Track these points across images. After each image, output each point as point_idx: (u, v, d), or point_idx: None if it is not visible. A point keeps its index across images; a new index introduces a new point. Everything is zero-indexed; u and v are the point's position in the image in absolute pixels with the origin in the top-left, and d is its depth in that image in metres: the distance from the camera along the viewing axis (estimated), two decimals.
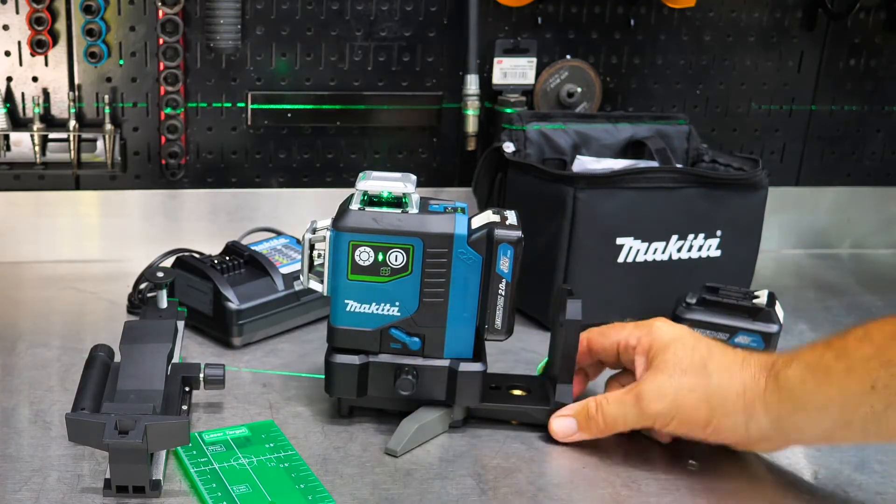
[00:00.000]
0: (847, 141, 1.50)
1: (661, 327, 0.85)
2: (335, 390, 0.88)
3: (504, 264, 0.83)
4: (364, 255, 0.83)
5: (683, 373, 0.80)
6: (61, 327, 1.11)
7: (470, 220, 0.86)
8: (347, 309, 0.85)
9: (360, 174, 0.86)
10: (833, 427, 0.74)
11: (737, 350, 0.81)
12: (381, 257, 0.83)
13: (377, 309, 0.85)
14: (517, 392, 0.91)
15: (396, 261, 0.83)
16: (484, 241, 0.83)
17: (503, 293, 0.84)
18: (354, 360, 0.86)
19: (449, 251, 0.83)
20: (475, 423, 0.90)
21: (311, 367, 0.99)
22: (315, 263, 0.86)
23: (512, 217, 0.86)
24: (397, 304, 0.85)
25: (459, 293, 0.84)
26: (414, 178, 0.86)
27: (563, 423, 0.86)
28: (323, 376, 0.89)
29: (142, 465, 0.75)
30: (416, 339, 0.86)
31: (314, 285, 0.86)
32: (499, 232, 0.83)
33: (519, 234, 0.83)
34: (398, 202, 0.84)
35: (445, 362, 0.86)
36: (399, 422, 0.87)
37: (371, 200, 0.85)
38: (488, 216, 0.86)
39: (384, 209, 0.83)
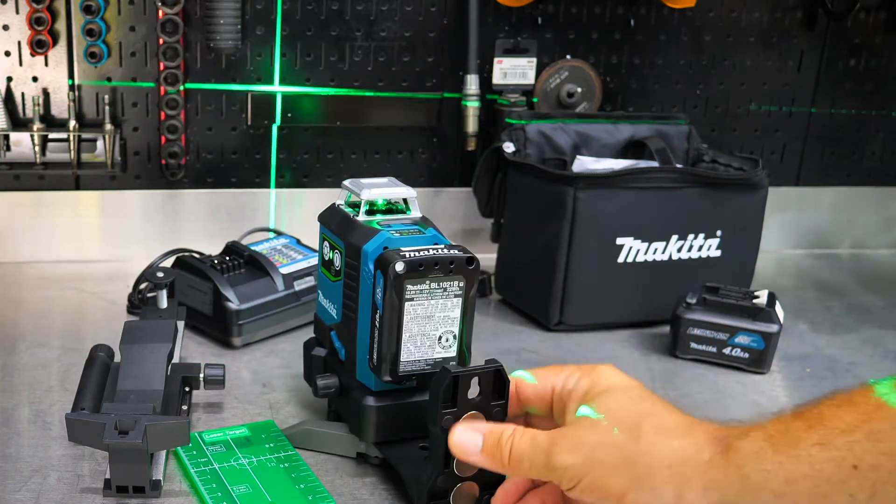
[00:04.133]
0: (847, 141, 1.50)
1: (607, 373, 0.68)
2: (306, 375, 0.89)
3: (378, 293, 0.75)
4: (326, 249, 0.84)
5: (610, 427, 0.63)
6: (61, 327, 1.11)
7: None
8: (319, 298, 0.86)
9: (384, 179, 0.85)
10: None
11: (688, 416, 0.64)
12: (331, 255, 0.82)
13: (328, 307, 0.84)
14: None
15: (337, 262, 0.81)
16: (376, 263, 0.76)
17: (377, 325, 0.75)
18: (314, 350, 0.87)
19: (358, 265, 0.77)
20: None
21: None
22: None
23: (438, 251, 0.75)
24: (335, 306, 0.83)
25: (364, 314, 0.78)
26: (401, 191, 0.82)
27: (466, 435, 0.69)
28: None
29: (142, 465, 0.75)
30: (343, 350, 0.82)
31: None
32: (381, 256, 0.75)
33: (393, 265, 0.72)
34: (389, 209, 0.83)
35: (355, 384, 0.80)
36: None
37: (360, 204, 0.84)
38: (433, 247, 0.77)
39: (348, 211, 0.82)
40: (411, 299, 0.74)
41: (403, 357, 0.76)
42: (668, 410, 0.64)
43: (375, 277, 0.75)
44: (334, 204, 0.85)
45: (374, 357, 0.76)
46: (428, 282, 0.74)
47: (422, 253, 0.74)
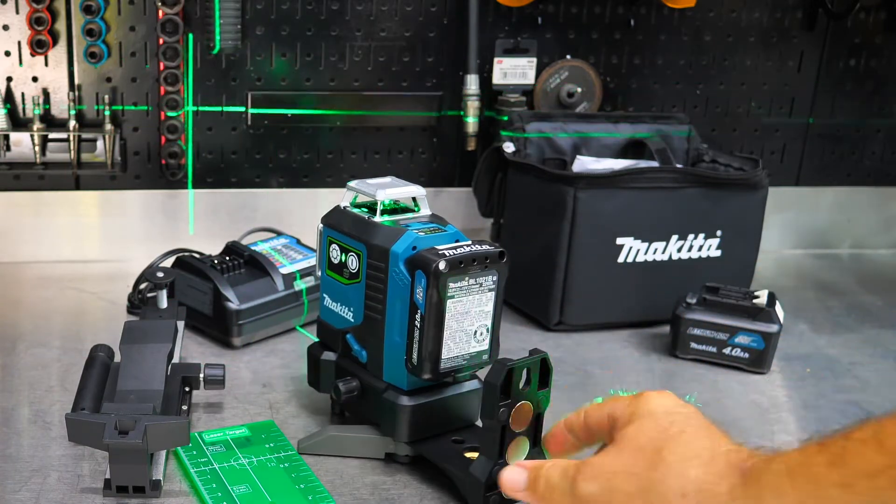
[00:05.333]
0: (847, 141, 1.50)
1: (652, 398, 0.67)
2: (310, 380, 0.89)
3: (419, 293, 0.75)
4: (334, 253, 0.83)
5: (633, 453, 0.62)
6: (61, 327, 1.11)
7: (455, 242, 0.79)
8: (325, 303, 0.86)
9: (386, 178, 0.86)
10: None
11: (716, 437, 0.62)
12: (344, 258, 0.82)
13: (340, 310, 0.84)
14: (473, 455, 0.77)
15: (352, 265, 0.81)
16: (412, 264, 0.76)
17: (418, 325, 0.76)
18: (322, 354, 0.86)
19: (386, 266, 0.78)
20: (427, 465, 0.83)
21: None
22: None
23: (472, 248, 0.77)
24: (352, 309, 0.83)
25: (396, 316, 0.78)
26: (412, 189, 0.83)
27: (513, 473, 0.70)
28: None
29: (142, 465, 0.75)
30: (364, 353, 0.82)
31: (320, 273, 0.87)
32: (419, 257, 0.76)
33: (436, 264, 0.74)
34: (395, 209, 0.83)
35: (382, 385, 0.81)
36: None
37: (368, 205, 0.84)
38: (463, 244, 0.78)
39: (359, 212, 0.82)
40: (452, 297, 0.76)
41: (444, 354, 0.77)
42: (696, 436, 0.62)
43: (415, 277, 0.75)
44: (339, 206, 0.84)
45: (415, 357, 0.77)
46: (467, 278, 0.76)
47: (459, 250, 0.76)
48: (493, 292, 0.78)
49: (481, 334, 0.79)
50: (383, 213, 0.82)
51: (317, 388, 0.89)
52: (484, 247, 0.77)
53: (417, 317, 0.76)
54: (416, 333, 0.76)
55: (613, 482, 0.62)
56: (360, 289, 0.81)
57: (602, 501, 0.63)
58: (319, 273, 0.87)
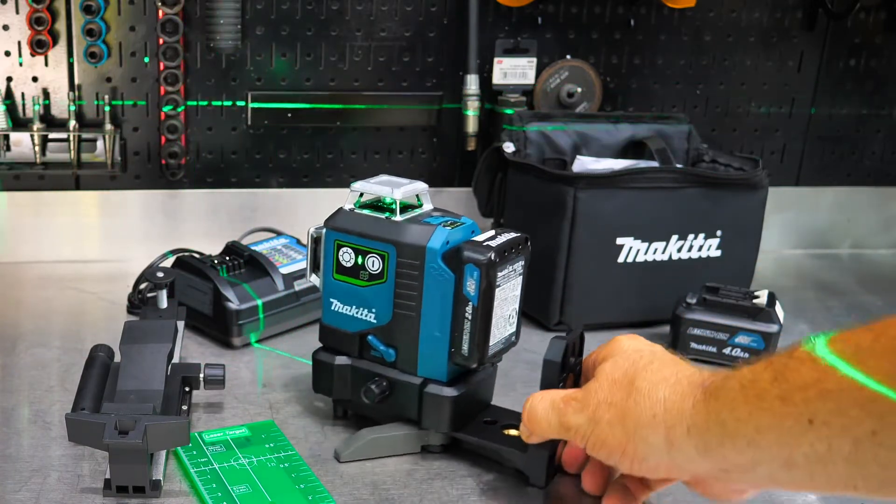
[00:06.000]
0: (847, 141, 1.50)
1: (621, 339, 0.75)
2: (319, 387, 0.88)
3: (471, 286, 0.77)
4: (346, 256, 0.82)
5: (610, 385, 0.70)
6: (61, 327, 1.11)
7: (472, 235, 0.82)
8: (332, 308, 0.85)
9: (378, 177, 0.85)
10: (772, 465, 0.59)
11: (681, 365, 0.69)
12: (360, 260, 0.82)
13: (356, 313, 0.83)
14: (512, 432, 0.82)
15: (374, 266, 0.81)
16: (454, 259, 0.78)
17: (469, 317, 0.78)
18: (335, 359, 0.85)
19: (421, 264, 0.79)
20: (457, 452, 0.85)
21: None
22: (319, 259, 0.85)
23: (506, 237, 0.80)
24: (374, 311, 0.82)
25: (433, 310, 0.80)
26: (419, 185, 0.84)
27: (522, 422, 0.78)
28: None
29: (142, 465, 0.75)
30: (392, 351, 0.83)
31: (315, 279, 0.86)
32: (466, 251, 0.77)
33: (488, 256, 0.76)
34: (405, 207, 0.83)
35: (418, 380, 0.82)
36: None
37: (373, 204, 0.84)
38: (487, 234, 0.81)
39: (372, 213, 0.82)
40: (499, 285, 0.79)
41: (491, 341, 0.80)
42: (663, 365, 0.69)
43: (463, 271, 0.77)
44: (342, 208, 0.84)
45: (465, 347, 0.79)
46: (507, 266, 0.79)
47: (497, 241, 0.79)
48: (522, 276, 0.82)
49: (512, 317, 0.83)
50: (384, 209, 0.83)
51: (327, 394, 0.88)
52: (511, 234, 0.80)
53: (468, 309, 0.78)
54: (467, 325, 0.78)
55: (597, 413, 0.69)
56: (384, 289, 0.81)
57: (587, 430, 0.70)
58: (317, 277, 0.86)
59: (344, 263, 0.83)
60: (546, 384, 0.76)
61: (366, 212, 0.83)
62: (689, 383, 0.65)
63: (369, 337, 0.83)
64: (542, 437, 0.76)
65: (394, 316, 0.81)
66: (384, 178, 0.85)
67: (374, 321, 0.83)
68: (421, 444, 0.85)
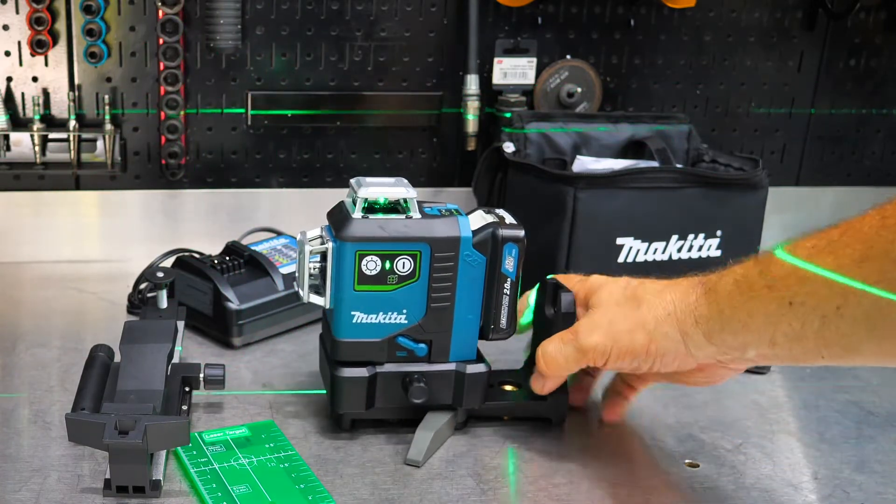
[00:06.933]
0: (847, 141, 1.50)
1: (593, 277, 0.87)
2: (344, 405, 0.85)
3: (509, 263, 0.83)
4: (371, 265, 0.81)
5: (616, 305, 0.80)
6: (61, 327, 1.11)
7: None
8: (354, 321, 0.82)
9: (352, 181, 0.83)
10: (760, 346, 0.70)
11: (663, 279, 0.81)
12: (388, 265, 0.81)
13: (385, 318, 0.83)
14: (508, 388, 0.92)
15: (404, 268, 0.81)
16: (489, 242, 0.83)
17: (508, 292, 0.85)
18: (363, 372, 0.83)
19: (456, 255, 0.82)
20: (471, 423, 0.90)
21: (312, 367, 0.99)
22: (311, 275, 0.83)
23: (508, 216, 0.86)
24: (405, 311, 0.83)
25: (465, 296, 0.84)
26: (406, 181, 0.84)
27: (533, 377, 0.88)
28: (324, 391, 0.89)
29: (142, 465, 0.75)
30: (423, 346, 0.84)
31: (315, 299, 0.83)
32: (503, 232, 0.83)
33: (522, 232, 0.83)
34: (395, 207, 0.82)
35: (451, 366, 0.85)
36: (409, 429, 0.86)
37: (371, 207, 0.82)
38: (482, 216, 0.85)
39: (388, 216, 0.81)
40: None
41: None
42: (651, 280, 0.81)
43: (502, 251, 0.83)
44: (354, 218, 0.81)
45: (503, 321, 0.86)
46: None
47: (508, 217, 0.85)
48: None
49: None
50: (379, 210, 0.83)
51: (361, 409, 0.85)
52: (508, 213, 0.87)
53: (507, 285, 0.84)
54: (505, 300, 0.85)
55: (613, 328, 0.79)
56: (416, 287, 0.82)
57: (608, 345, 0.79)
58: (319, 297, 0.83)
59: (368, 273, 0.81)
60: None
61: (380, 216, 0.81)
62: (687, 283, 0.77)
63: (399, 338, 0.84)
64: (558, 376, 0.85)
65: (428, 311, 0.83)
66: (373, 179, 0.83)
67: (405, 321, 0.83)
68: (454, 427, 0.89)
